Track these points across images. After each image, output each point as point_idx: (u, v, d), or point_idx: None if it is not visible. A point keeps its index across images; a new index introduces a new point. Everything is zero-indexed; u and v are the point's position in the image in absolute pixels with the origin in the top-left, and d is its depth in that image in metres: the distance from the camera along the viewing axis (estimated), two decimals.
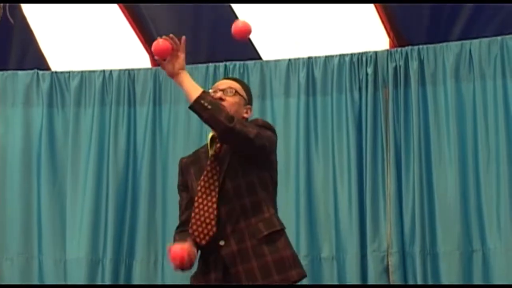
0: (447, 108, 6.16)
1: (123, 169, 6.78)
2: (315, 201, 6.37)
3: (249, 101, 3.95)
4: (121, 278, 6.67)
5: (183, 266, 3.63)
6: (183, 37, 3.76)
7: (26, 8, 7.12)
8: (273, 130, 3.85)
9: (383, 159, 6.28)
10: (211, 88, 3.94)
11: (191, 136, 6.65)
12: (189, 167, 3.92)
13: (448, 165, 6.09)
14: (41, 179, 6.87)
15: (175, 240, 3.82)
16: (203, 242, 3.69)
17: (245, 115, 3.90)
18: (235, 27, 3.90)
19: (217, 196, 3.71)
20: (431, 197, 6.13)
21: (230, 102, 3.83)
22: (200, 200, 3.74)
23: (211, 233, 3.68)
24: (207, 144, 3.91)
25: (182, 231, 3.85)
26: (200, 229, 3.70)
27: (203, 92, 3.66)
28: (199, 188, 3.76)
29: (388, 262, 6.15)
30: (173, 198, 6.14)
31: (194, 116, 6.60)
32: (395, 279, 6.10)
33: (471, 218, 5.99)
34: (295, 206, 6.34)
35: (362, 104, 6.38)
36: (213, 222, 3.69)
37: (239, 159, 3.74)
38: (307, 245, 6.26)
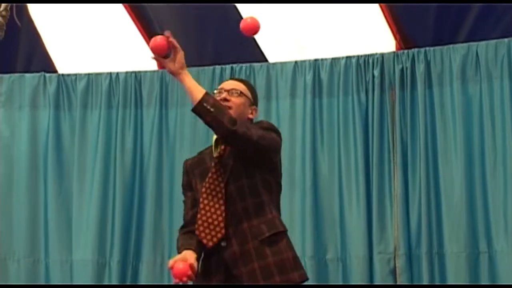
0: (453, 110, 6.15)
1: (130, 171, 6.79)
2: (321, 203, 6.37)
3: (254, 102, 3.96)
4: (127, 280, 6.68)
5: (185, 282, 3.61)
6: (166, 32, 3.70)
7: (32, 11, 7.13)
8: (277, 132, 3.85)
9: (389, 161, 6.27)
10: (217, 89, 3.95)
11: (198, 138, 6.65)
12: (193, 168, 3.92)
13: (454, 166, 6.08)
14: (47, 181, 6.89)
15: (178, 244, 3.81)
16: (210, 243, 3.69)
17: (250, 116, 3.90)
18: (243, 23, 3.89)
19: (223, 198, 3.71)
20: (437, 199, 6.12)
21: (235, 103, 3.83)
22: (205, 202, 3.73)
23: (219, 235, 3.69)
24: (211, 145, 3.91)
25: (186, 232, 3.84)
26: (207, 231, 3.70)
27: (206, 94, 3.64)
28: (203, 190, 3.76)
29: (395, 264, 6.14)
30: (180, 200, 6.12)
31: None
32: (402, 281, 6.09)
33: (478, 220, 5.98)
34: (301, 208, 6.34)
35: (369, 106, 6.38)
36: (221, 224, 3.69)
37: (243, 161, 3.74)
38: (313, 247, 6.26)
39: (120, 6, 6.89)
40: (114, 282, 6.63)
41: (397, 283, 6.11)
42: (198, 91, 3.65)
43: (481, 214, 5.96)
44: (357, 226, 6.23)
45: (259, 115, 6.24)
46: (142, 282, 6.64)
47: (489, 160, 5.99)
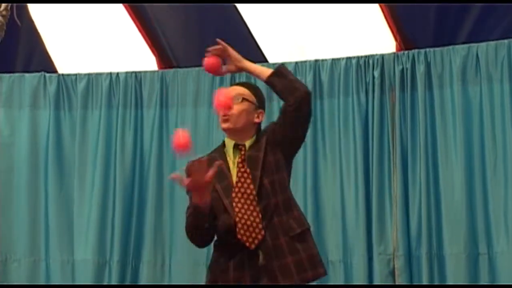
0: (453, 111, 6.15)
1: (130, 172, 6.80)
2: (322, 204, 6.37)
3: (260, 105, 3.95)
4: (127, 280, 6.68)
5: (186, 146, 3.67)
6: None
7: (33, 11, 7.14)
8: None
9: (389, 162, 6.27)
10: None
11: (198, 138, 6.65)
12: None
13: (454, 168, 6.08)
14: (48, 181, 6.89)
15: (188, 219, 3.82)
16: (253, 246, 3.72)
17: (257, 120, 3.91)
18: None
19: (255, 198, 3.75)
20: (437, 200, 6.12)
21: (237, 109, 3.84)
22: (239, 205, 3.76)
23: (259, 236, 3.72)
24: (219, 148, 3.92)
25: None
26: (248, 233, 3.73)
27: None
28: (234, 194, 3.77)
29: (394, 265, 6.15)
30: (180, 200, 6.18)
31: (201, 119, 6.71)
32: (401, 282, 6.10)
33: (478, 221, 5.98)
34: (303, 208, 6.31)
35: (369, 107, 6.38)
36: (260, 226, 3.73)
37: (274, 152, 3.82)
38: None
39: (120, 6, 6.90)
40: (114, 282, 6.63)
41: (396, 284, 6.11)
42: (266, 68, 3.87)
43: (481, 215, 5.97)
44: (357, 227, 6.23)
45: None
46: (142, 282, 6.65)
47: (489, 161, 6.00)
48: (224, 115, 3.83)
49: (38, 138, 6.96)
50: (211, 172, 3.58)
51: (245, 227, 3.73)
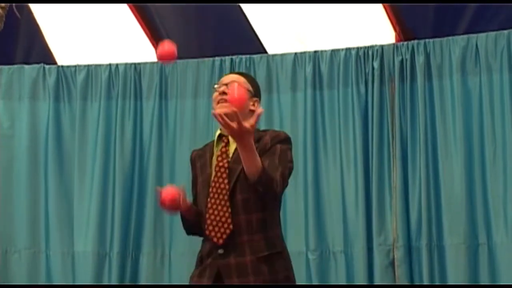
0: (453, 102, 6.15)
1: (130, 163, 6.79)
2: (322, 195, 6.38)
3: (255, 94, 3.94)
4: (127, 271, 6.68)
5: (173, 204, 3.69)
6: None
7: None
8: (291, 146, 3.85)
9: (389, 153, 6.28)
10: (217, 83, 3.95)
11: (198, 130, 6.66)
12: (195, 160, 3.95)
13: (454, 158, 6.09)
14: (48, 173, 6.89)
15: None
16: (221, 241, 3.70)
17: (252, 108, 3.87)
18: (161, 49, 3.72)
19: (228, 194, 3.72)
20: (437, 191, 6.13)
21: None
22: (212, 201, 3.75)
23: (228, 231, 3.70)
24: (212, 141, 3.93)
25: None
26: (216, 228, 3.71)
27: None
28: (210, 189, 3.77)
29: (394, 255, 6.16)
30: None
31: (201, 110, 6.72)
32: (400, 273, 6.11)
33: (477, 212, 5.99)
34: (304, 201, 6.36)
35: (369, 98, 6.38)
36: (229, 221, 3.70)
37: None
38: (316, 240, 6.28)
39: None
40: (115, 273, 6.63)
41: (396, 275, 6.12)
42: (258, 159, 3.59)
43: (481, 206, 5.98)
44: (357, 218, 6.24)
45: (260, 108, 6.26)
46: (142, 273, 6.64)
47: (488, 152, 6.01)
48: (221, 99, 3.79)
49: (37, 130, 6.95)
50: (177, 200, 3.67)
51: (214, 222, 3.71)
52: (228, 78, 3.94)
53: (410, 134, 6.24)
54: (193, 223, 3.88)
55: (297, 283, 3.88)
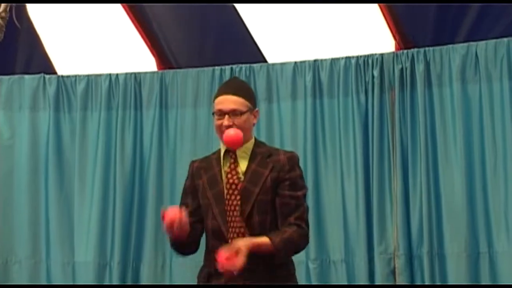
0: (453, 110, 6.15)
1: (130, 173, 6.79)
2: (323, 204, 6.37)
3: (254, 105, 3.88)
4: (128, 281, 6.68)
5: (173, 224, 3.64)
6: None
7: (32, 12, 7.13)
8: (304, 184, 3.89)
9: (389, 161, 6.28)
10: (215, 105, 3.81)
11: (198, 139, 6.66)
12: (200, 172, 3.87)
13: (455, 167, 6.08)
14: (48, 183, 6.88)
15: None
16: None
17: (255, 121, 3.86)
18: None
19: (242, 214, 3.72)
20: (438, 200, 6.12)
21: (239, 125, 3.76)
22: (229, 219, 3.74)
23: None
24: (218, 151, 3.88)
25: None
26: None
27: (272, 243, 3.63)
28: (225, 206, 3.75)
29: (395, 264, 6.15)
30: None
31: (201, 120, 6.72)
32: (401, 282, 6.10)
33: (478, 221, 5.98)
34: None
35: (369, 106, 6.38)
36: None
37: (271, 197, 3.76)
38: (316, 249, 6.27)
39: (119, 8, 6.89)
40: (115, 283, 6.63)
41: (397, 284, 6.12)
42: (266, 246, 3.63)
43: (482, 215, 5.97)
44: (358, 227, 6.24)
45: (261, 117, 6.29)
46: (143, 283, 6.64)
47: (489, 160, 6.00)
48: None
49: (38, 140, 6.95)
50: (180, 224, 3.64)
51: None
52: (227, 104, 3.79)
53: (411, 143, 6.24)
54: (186, 244, 3.86)
55: None
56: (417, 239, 6.13)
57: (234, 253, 3.50)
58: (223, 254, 3.52)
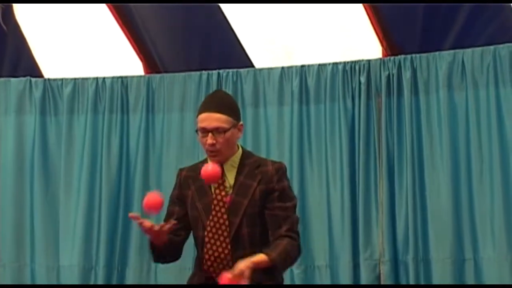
0: (439, 117, 6.16)
1: (116, 177, 6.78)
2: (308, 209, 6.37)
3: (238, 120, 3.81)
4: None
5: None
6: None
7: (19, 15, 7.11)
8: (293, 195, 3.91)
9: (375, 167, 6.28)
10: (198, 123, 3.74)
11: (184, 144, 6.65)
12: (188, 182, 3.85)
13: (441, 173, 6.10)
14: (34, 187, 6.86)
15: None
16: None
17: (239, 135, 3.82)
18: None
19: (227, 230, 3.71)
20: (423, 206, 6.14)
21: (223, 143, 3.72)
22: (210, 235, 3.73)
23: (227, 268, 3.64)
24: (206, 160, 3.84)
25: None
26: (215, 264, 3.72)
27: (270, 260, 3.61)
28: (208, 222, 3.74)
29: (380, 270, 6.16)
30: (166, 206, 6.15)
31: (187, 124, 6.71)
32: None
33: (464, 227, 6.00)
34: None
35: (355, 112, 6.39)
36: (228, 257, 3.70)
37: (260, 209, 3.75)
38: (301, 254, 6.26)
39: (106, 11, 6.88)
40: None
41: None
42: (264, 263, 3.60)
43: (467, 221, 5.99)
44: (343, 233, 6.24)
45: (248, 122, 6.29)
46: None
47: (475, 167, 6.02)
48: (212, 151, 3.72)
49: (23, 143, 6.93)
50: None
51: (212, 258, 3.72)
52: (210, 122, 3.72)
53: (397, 149, 6.25)
54: (165, 253, 3.83)
55: None
56: (402, 245, 6.14)
57: (238, 276, 3.47)
58: (226, 277, 3.48)
